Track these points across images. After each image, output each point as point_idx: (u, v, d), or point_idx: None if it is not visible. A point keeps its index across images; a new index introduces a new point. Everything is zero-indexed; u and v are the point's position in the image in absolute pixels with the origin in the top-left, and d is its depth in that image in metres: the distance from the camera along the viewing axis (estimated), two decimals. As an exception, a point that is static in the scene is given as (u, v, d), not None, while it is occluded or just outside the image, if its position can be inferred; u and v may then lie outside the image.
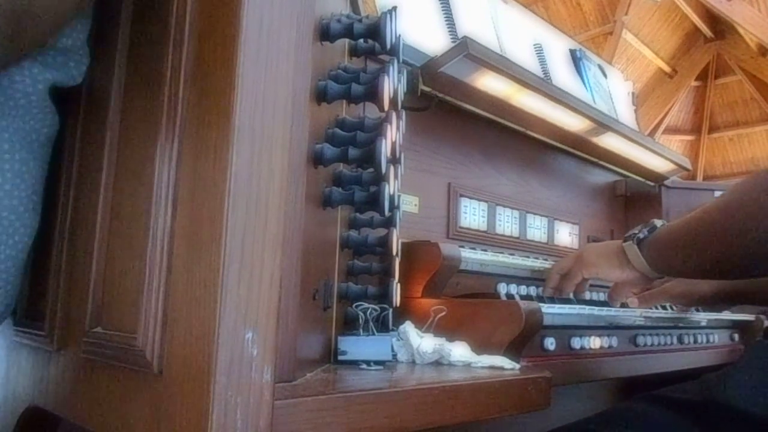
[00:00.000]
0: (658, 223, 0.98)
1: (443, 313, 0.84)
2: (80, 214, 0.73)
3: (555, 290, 1.10)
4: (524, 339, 0.83)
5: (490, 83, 1.17)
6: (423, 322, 0.83)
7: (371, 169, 0.61)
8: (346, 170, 0.67)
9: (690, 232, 0.87)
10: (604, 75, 1.90)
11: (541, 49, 1.64)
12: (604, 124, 1.41)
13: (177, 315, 0.46)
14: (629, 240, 0.99)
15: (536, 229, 1.41)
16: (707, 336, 1.31)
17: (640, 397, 0.79)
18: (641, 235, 0.97)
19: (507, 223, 1.33)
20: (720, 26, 7.36)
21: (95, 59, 0.75)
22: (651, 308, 1.23)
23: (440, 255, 0.93)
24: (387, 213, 0.65)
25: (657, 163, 1.65)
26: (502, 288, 1.09)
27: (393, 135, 0.65)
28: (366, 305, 0.70)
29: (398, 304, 0.80)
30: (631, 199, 1.71)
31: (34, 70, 0.68)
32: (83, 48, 0.72)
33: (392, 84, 0.62)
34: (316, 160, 0.57)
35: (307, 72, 0.53)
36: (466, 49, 1.07)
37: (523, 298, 1.07)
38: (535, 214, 1.41)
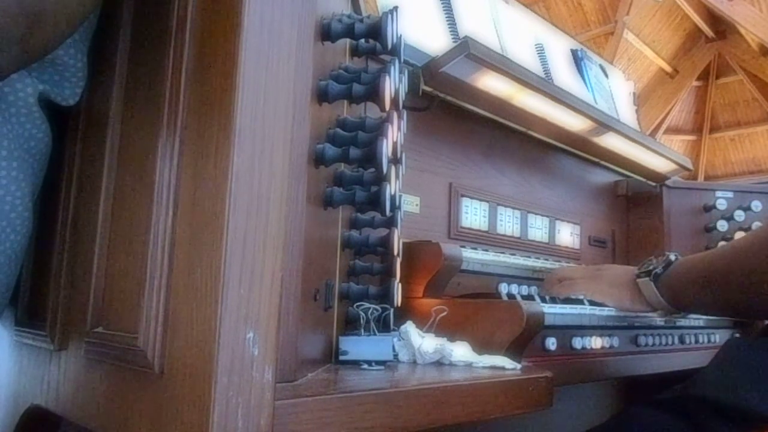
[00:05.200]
0: (672, 256, 0.96)
1: (444, 313, 0.83)
2: (82, 213, 0.73)
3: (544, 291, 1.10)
4: (525, 339, 0.83)
5: (492, 83, 1.17)
6: (424, 322, 0.83)
7: (372, 169, 0.61)
8: (347, 170, 0.67)
9: (709, 268, 0.86)
10: (606, 75, 1.90)
11: (542, 49, 1.64)
12: (605, 124, 1.41)
13: (178, 315, 0.46)
14: (644, 276, 0.97)
15: (537, 229, 1.41)
16: (708, 336, 1.31)
17: (634, 405, 0.80)
18: (658, 271, 0.96)
19: (508, 223, 1.33)
20: (721, 26, 7.36)
21: (97, 61, 0.75)
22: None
23: (441, 255, 0.93)
24: (388, 213, 0.65)
25: (658, 163, 1.65)
26: (504, 288, 1.09)
27: (394, 135, 0.65)
28: (367, 305, 0.70)
29: (399, 304, 0.80)
30: (633, 199, 1.71)
31: (27, 80, 0.69)
32: (82, 69, 0.72)
33: (393, 84, 0.61)
34: (318, 160, 0.57)
35: (308, 72, 0.53)
36: (468, 49, 1.07)
37: (524, 298, 1.07)
38: (536, 214, 1.41)
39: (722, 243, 1.64)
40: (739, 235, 1.64)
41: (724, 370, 0.76)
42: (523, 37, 1.59)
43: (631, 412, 0.79)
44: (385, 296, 0.76)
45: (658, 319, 1.15)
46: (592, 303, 1.06)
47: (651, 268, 0.98)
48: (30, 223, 0.71)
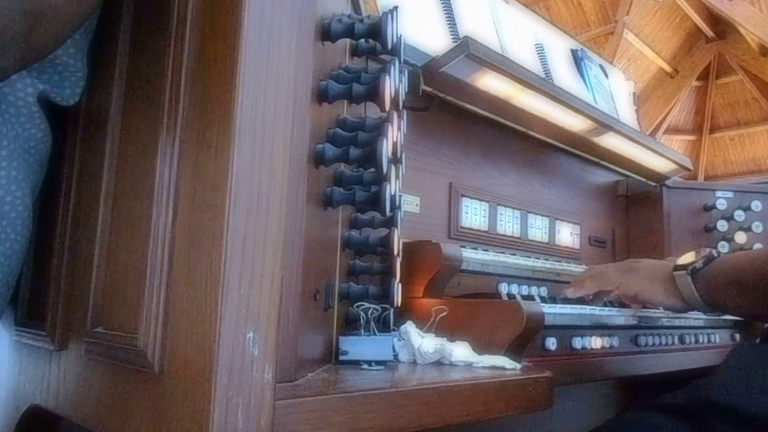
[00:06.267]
0: (714, 253, 0.95)
1: (444, 313, 0.83)
2: (81, 214, 0.73)
3: (582, 292, 1.08)
4: (525, 339, 0.83)
5: (492, 83, 1.17)
6: (424, 322, 0.83)
7: (372, 169, 0.61)
8: (347, 170, 0.67)
9: (749, 271, 0.84)
10: (606, 75, 1.90)
11: (543, 49, 1.64)
12: (605, 124, 1.41)
13: (178, 315, 0.46)
14: (681, 269, 0.96)
15: (537, 229, 1.41)
16: (708, 336, 1.31)
17: (637, 407, 0.80)
18: (697, 266, 0.94)
19: (508, 223, 1.33)
20: (721, 26, 7.35)
21: (97, 61, 0.75)
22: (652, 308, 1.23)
23: (441, 255, 0.93)
24: (388, 213, 0.65)
25: (658, 163, 1.65)
26: (504, 288, 1.09)
27: (394, 135, 0.65)
28: (367, 305, 0.70)
29: (399, 304, 0.80)
30: (633, 199, 1.71)
31: (26, 80, 0.68)
32: (82, 69, 0.72)
33: (393, 84, 0.61)
34: (318, 160, 0.57)
35: (308, 72, 0.53)
36: (468, 49, 1.07)
37: (524, 298, 1.07)
38: (536, 214, 1.40)
39: (722, 243, 1.64)
40: (739, 235, 1.64)
41: (735, 374, 0.75)
42: (523, 37, 1.59)
43: (635, 414, 0.78)
44: (385, 296, 0.76)
45: (658, 315, 1.15)
46: (594, 303, 1.06)
47: (689, 262, 0.96)
48: (30, 223, 0.71)
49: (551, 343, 0.92)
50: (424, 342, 0.73)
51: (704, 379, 0.79)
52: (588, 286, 1.07)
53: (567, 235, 1.49)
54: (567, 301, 1.10)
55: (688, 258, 0.99)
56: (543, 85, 1.24)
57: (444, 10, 1.35)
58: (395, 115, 0.65)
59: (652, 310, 1.17)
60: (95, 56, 0.75)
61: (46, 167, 0.76)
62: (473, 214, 1.25)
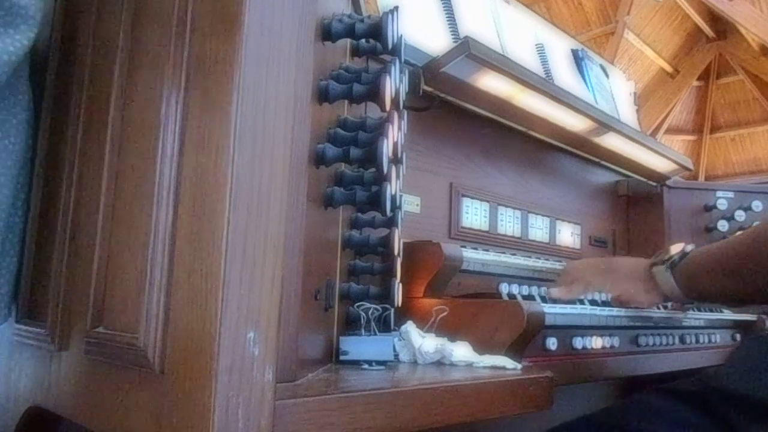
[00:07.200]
0: (688, 248, 0.98)
1: (445, 313, 0.83)
2: (82, 213, 0.73)
3: (570, 296, 1.08)
4: (526, 339, 0.83)
5: (492, 83, 1.17)
6: (425, 322, 0.83)
7: (373, 169, 0.61)
8: (347, 170, 0.67)
9: (731, 256, 0.87)
10: (606, 75, 1.90)
11: (543, 49, 1.64)
12: (605, 124, 1.41)
13: (178, 315, 0.46)
14: (659, 264, 0.98)
15: (538, 229, 1.41)
16: (709, 336, 1.31)
17: (647, 391, 0.80)
18: (675, 260, 0.96)
19: (509, 223, 1.33)
20: (722, 26, 7.35)
21: (97, 61, 0.75)
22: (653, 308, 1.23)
23: (442, 255, 0.93)
24: (389, 213, 0.65)
25: (659, 163, 1.65)
26: (504, 288, 1.08)
27: (395, 135, 0.65)
28: (368, 305, 0.70)
29: (400, 304, 0.80)
30: (633, 199, 1.71)
31: None
32: (37, 12, 0.68)
33: (394, 84, 0.61)
34: (318, 159, 0.57)
35: (308, 72, 0.53)
36: (468, 49, 1.07)
37: (525, 298, 1.07)
38: (536, 214, 1.40)
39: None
40: (739, 235, 1.64)
41: (742, 363, 0.76)
42: (524, 37, 1.59)
43: (645, 397, 0.79)
44: (385, 296, 0.76)
45: (658, 315, 1.15)
46: (593, 303, 1.06)
47: (667, 257, 0.98)
48: (6, 205, 0.68)
49: (552, 342, 0.92)
50: (424, 342, 0.73)
51: (713, 368, 0.79)
52: (575, 291, 1.08)
53: (567, 235, 1.49)
54: (567, 301, 1.10)
55: (662, 255, 1.00)
56: (543, 85, 1.24)
57: (444, 10, 1.35)
58: (396, 115, 0.65)
59: (653, 310, 1.17)
60: (96, 55, 0.75)
61: (28, 145, 0.73)
62: (474, 214, 1.25)
